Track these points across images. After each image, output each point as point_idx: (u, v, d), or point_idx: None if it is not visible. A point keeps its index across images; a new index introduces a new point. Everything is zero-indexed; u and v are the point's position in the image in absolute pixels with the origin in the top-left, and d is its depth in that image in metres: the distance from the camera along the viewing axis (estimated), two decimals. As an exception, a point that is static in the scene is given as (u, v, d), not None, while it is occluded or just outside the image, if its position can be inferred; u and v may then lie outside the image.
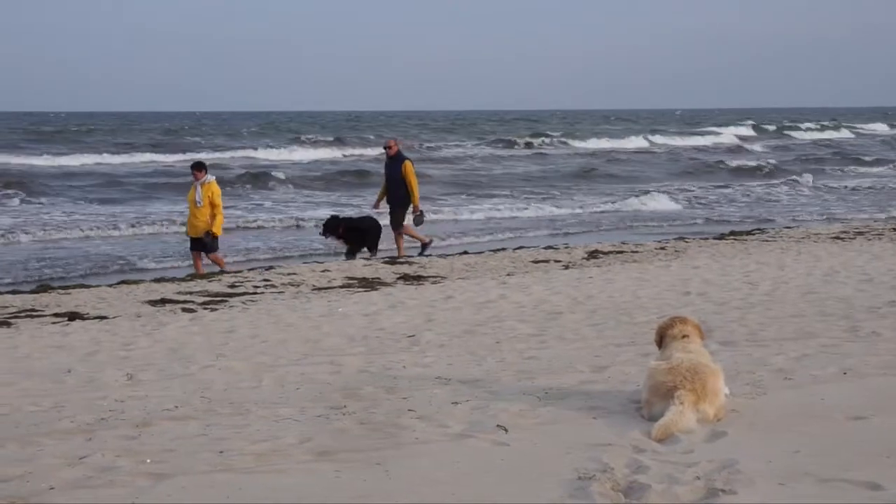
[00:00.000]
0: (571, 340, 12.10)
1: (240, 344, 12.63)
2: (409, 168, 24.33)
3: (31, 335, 13.85)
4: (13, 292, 18.71)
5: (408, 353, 11.58)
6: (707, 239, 26.39)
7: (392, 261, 22.47)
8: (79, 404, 9.43)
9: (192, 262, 22.87)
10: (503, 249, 24.85)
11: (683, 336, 8.81)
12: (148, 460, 7.48)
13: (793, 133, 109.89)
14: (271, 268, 21.87)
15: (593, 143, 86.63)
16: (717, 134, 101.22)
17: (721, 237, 26.82)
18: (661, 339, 9.00)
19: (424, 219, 25.30)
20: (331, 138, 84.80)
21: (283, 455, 7.56)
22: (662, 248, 23.88)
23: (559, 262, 21.73)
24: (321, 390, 9.73)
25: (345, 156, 69.24)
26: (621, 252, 23.35)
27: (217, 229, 22.43)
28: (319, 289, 18.35)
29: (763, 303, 14.56)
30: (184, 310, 15.97)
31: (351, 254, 24.38)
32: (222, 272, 21.40)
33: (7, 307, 16.63)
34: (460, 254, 24.13)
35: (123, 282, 19.96)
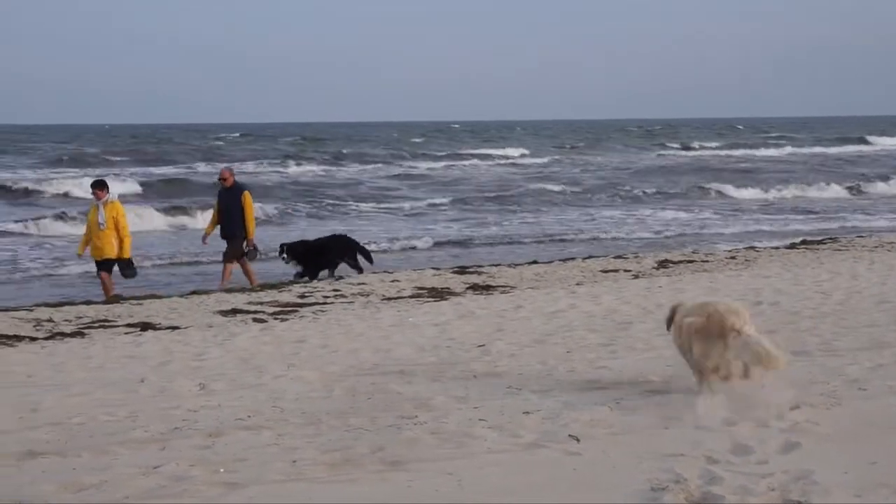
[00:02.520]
0: (642, 350, 12.03)
1: (310, 353, 12.68)
2: (249, 199, 22.45)
3: (104, 345, 13.99)
4: (87, 303, 18.90)
5: (478, 363, 11.57)
6: (778, 248, 26.19)
7: (462, 270, 22.46)
8: (152, 414, 9.52)
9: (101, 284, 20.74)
10: (573, 259, 24.79)
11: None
12: (221, 470, 7.53)
13: None
14: (340, 278, 21.96)
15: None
16: None
17: (792, 246, 26.61)
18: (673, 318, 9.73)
19: (258, 255, 22.85)
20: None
21: (354, 464, 7.58)
22: (733, 258, 23.73)
23: (628, 271, 21.65)
24: (392, 400, 9.74)
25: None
26: (691, 261, 23.24)
27: (127, 253, 20.76)
28: (389, 299, 18.40)
29: (836, 312, 14.39)
30: (254, 320, 16.08)
31: (312, 277, 22.77)
32: (117, 298, 19.67)
33: (81, 317, 16.83)
34: (529, 263, 24.10)
35: (194, 292, 20.11)
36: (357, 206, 43.54)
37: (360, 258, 23.45)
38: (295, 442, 8.28)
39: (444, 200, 45.24)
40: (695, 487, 6.75)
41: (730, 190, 50.14)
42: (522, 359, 11.73)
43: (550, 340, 12.93)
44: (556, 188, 50.37)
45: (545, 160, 74.87)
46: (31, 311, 17.60)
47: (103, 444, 8.46)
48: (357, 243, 23.96)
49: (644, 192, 48.72)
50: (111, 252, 20.53)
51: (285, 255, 23.07)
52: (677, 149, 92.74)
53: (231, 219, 22.21)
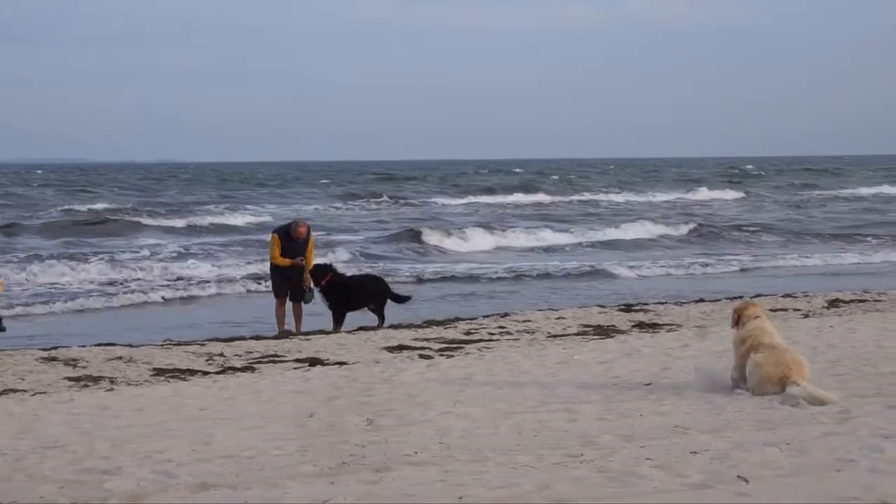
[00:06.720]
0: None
1: (476, 390, 12.72)
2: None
3: (274, 380, 14.24)
4: (256, 338, 19.23)
5: (645, 402, 11.49)
6: None
7: (628, 308, 22.33)
8: (321, 448, 9.65)
9: None
10: (740, 297, 24.44)
11: (756, 317, 11.85)
12: (388, 505, 7.61)
13: None
14: (506, 315, 21.97)
15: None
16: None
17: None
18: (738, 319, 11.94)
19: (314, 298, 20.81)
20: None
21: (521, 501, 7.59)
22: (906, 297, 23.13)
23: (798, 310, 21.27)
24: (558, 438, 9.73)
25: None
26: (863, 301, 22.71)
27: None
28: (554, 336, 18.37)
29: None
30: (421, 356, 16.19)
31: (336, 321, 20.57)
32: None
33: (251, 352, 17.14)
34: (696, 301, 23.86)
35: (361, 328, 20.31)
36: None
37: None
38: (461, 478, 8.31)
39: None
40: (869, 532, 6.61)
41: None
42: (689, 398, 11.61)
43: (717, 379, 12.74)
44: None
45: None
46: (204, 345, 17.99)
47: (273, 477, 8.61)
48: (388, 288, 21.56)
49: None
50: None
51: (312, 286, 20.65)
52: None
53: (300, 272, 20.52)
